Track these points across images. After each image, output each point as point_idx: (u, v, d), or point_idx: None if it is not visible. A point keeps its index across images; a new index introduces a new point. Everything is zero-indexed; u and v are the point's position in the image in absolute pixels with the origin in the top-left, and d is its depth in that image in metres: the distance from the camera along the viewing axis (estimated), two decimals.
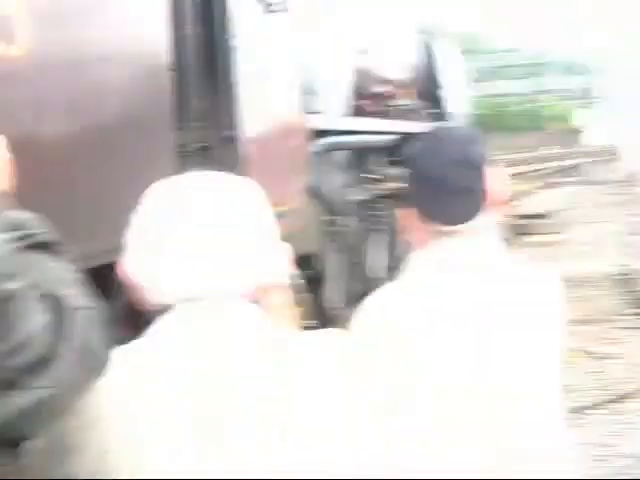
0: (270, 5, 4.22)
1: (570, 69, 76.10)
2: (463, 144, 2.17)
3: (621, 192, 28.88)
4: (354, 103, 7.24)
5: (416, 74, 9.60)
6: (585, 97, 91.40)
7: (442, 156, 2.12)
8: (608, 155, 39.46)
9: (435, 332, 2.02)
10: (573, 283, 12.70)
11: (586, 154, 40.94)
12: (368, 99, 7.63)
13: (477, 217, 2.15)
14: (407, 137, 7.55)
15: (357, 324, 2.07)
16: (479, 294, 2.07)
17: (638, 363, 8.61)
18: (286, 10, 4.39)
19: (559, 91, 72.96)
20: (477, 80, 27.62)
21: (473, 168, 2.13)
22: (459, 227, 2.13)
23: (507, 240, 2.38)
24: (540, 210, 21.57)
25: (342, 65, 6.96)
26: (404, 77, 9.15)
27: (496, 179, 2.24)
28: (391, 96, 8.39)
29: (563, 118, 51.89)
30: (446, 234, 2.13)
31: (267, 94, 4.25)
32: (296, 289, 1.64)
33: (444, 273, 2.10)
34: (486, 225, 2.18)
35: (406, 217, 2.21)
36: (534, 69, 74.13)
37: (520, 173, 28.05)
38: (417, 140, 2.24)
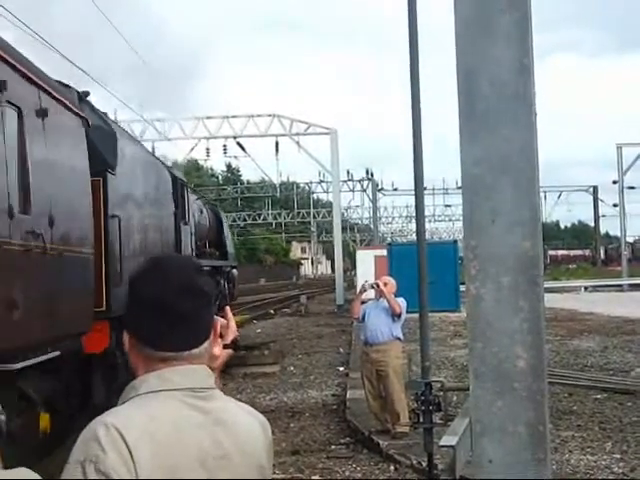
0: None
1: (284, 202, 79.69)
2: (189, 272, 2.14)
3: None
4: None
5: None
6: (304, 231, 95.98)
7: (166, 283, 2.08)
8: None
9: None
10: (290, 413, 13.01)
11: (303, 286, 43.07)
12: None
13: (201, 345, 2.11)
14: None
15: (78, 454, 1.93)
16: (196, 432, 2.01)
17: None
18: None
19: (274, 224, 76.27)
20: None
21: (199, 296, 2.11)
22: (182, 354, 2.08)
23: (225, 371, 2.40)
24: (256, 341, 22.15)
25: None
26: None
27: (228, 315, 2.33)
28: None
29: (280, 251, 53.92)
30: (167, 360, 2.07)
31: None
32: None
33: (168, 400, 2.02)
34: (207, 355, 2.16)
35: (129, 342, 2.14)
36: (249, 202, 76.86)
37: (239, 304, 28.90)
38: (140, 267, 2.19)
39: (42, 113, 8.22)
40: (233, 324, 2.33)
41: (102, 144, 10.93)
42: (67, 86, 10.53)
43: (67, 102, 9.33)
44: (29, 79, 8.03)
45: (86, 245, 9.53)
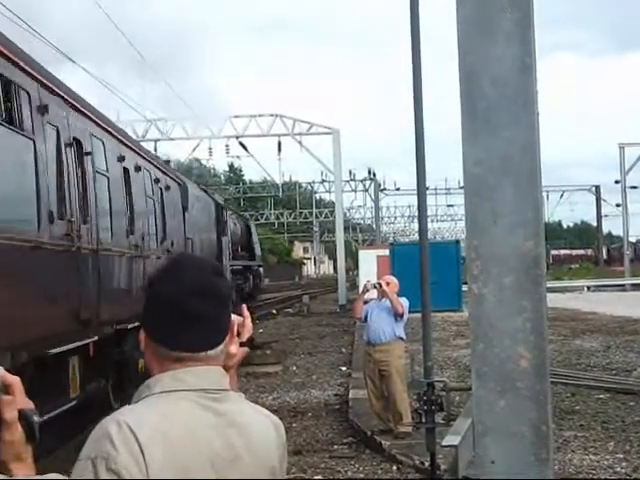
0: None
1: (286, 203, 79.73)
2: (206, 273, 2.14)
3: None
4: None
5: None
6: (306, 230, 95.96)
7: (183, 283, 2.08)
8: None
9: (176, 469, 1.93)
10: (292, 413, 13.01)
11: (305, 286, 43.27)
12: None
13: (218, 346, 2.12)
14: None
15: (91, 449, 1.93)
16: (212, 431, 2.02)
17: None
18: None
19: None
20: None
21: (216, 297, 2.11)
22: (198, 355, 2.08)
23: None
24: (259, 340, 22.12)
25: None
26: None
27: (244, 313, 2.34)
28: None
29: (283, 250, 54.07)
30: (182, 361, 2.07)
31: None
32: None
33: (181, 401, 2.02)
34: (223, 356, 2.15)
35: (145, 341, 2.14)
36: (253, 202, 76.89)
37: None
38: (159, 266, 2.21)
39: (165, 184, 16.09)
40: (249, 322, 2.35)
41: (183, 196, 18.10)
42: (167, 162, 18.53)
43: (173, 175, 17.54)
44: (151, 162, 15.11)
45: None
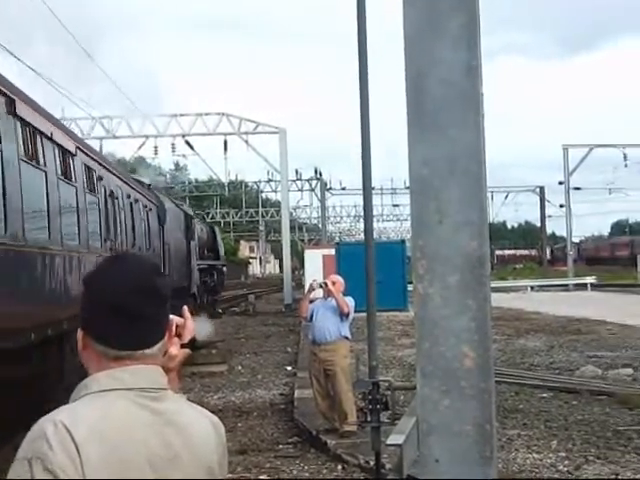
0: None
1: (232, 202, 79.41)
2: (144, 272, 2.13)
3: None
4: None
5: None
6: (252, 230, 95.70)
7: (120, 282, 2.07)
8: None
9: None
10: (237, 412, 12.98)
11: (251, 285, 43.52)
12: None
13: (156, 345, 2.10)
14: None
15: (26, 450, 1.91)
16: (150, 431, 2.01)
17: None
18: None
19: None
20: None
21: (153, 296, 2.10)
22: (135, 353, 2.07)
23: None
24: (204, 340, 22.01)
25: None
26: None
27: (185, 314, 2.33)
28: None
29: (229, 250, 54.08)
30: (120, 360, 2.06)
31: None
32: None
33: (118, 400, 2.01)
34: (161, 355, 2.14)
35: (82, 340, 2.12)
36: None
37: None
38: (98, 265, 2.19)
39: (150, 207, 21.42)
40: (190, 323, 2.33)
41: (161, 212, 23.04)
42: (142, 182, 22.88)
43: (155, 199, 22.96)
44: (142, 194, 20.59)
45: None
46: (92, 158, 14.39)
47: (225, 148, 43.08)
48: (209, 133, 41.59)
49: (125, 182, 17.98)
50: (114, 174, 16.57)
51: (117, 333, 2.05)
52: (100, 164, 15.10)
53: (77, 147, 12.98)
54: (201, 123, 41.24)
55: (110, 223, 15.34)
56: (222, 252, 43.38)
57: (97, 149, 30.79)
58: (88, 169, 13.68)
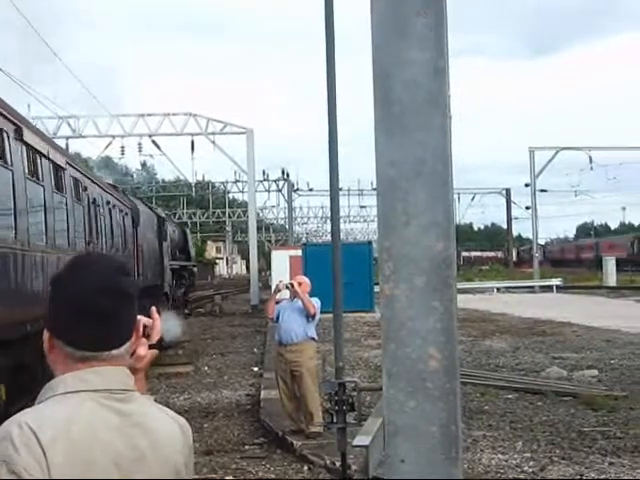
0: None
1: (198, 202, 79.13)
2: (110, 272, 2.11)
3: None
4: None
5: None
6: (219, 230, 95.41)
7: (86, 282, 2.05)
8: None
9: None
10: (203, 413, 12.93)
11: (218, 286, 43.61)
12: None
13: (123, 346, 2.09)
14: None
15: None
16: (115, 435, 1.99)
17: None
18: None
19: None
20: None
21: (120, 296, 2.08)
22: (102, 354, 2.05)
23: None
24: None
25: None
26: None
27: (153, 315, 2.33)
28: None
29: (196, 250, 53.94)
30: (86, 361, 2.04)
31: None
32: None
33: (84, 401, 1.99)
34: (128, 356, 2.13)
35: (49, 341, 2.10)
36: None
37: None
38: (63, 266, 2.16)
39: (125, 211, 22.62)
40: (158, 324, 2.32)
41: (135, 215, 24.18)
42: (116, 188, 24.01)
43: (129, 203, 23.88)
44: (119, 200, 21.67)
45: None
46: (78, 170, 16.11)
47: (192, 148, 42.99)
48: (176, 133, 41.45)
49: (105, 190, 19.88)
50: (96, 183, 18.59)
51: (83, 334, 2.03)
52: (85, 175, 16.91)
53: (67, 162, 14.65)
54: (168, 123, 41.11)
55: (92, 226, 17.13)
56: (193, 253, 44.53)
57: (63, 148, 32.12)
58: (75, 180, 15.30)
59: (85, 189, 16.36)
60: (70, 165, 14.95)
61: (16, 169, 10.69)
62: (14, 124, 10.87)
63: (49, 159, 12.78)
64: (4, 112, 10.49)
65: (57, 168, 13.55)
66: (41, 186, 12.19)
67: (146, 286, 22.83)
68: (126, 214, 22.83)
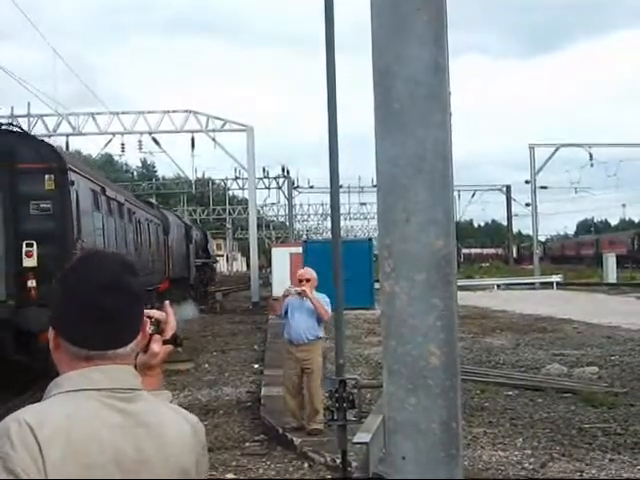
0: None
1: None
2: (116, 270, 2.09)
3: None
4: None
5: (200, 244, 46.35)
6: (219, 227, 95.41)
7: (91, 280, 2.04)
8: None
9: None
10: (204, 410, 12.93)
11: (218, 283, 44.10)
12: None
13: (128, 345, 2.07)
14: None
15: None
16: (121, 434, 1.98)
17: None
18: None
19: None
20: None
21: (126, 294, 2.06)
22: (107, 353, 2.04)
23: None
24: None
25: None
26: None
27: (167, 310, 2.31)
28: None
29: None
30: (91, 359, 2.03)
31: None
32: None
33: (87, 400, 1.98)
34: (134, 354, 2.12)
35: (54, 339, 2.08)
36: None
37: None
38: (69, 264, 2.15)
39: (158, 222, 31.18)
40: (172, 319, 2.30)
41: (165, 225, 32.10)
42: (151, 203, 34.97)
43: (160, 215, 32.75)
44: (147, 212, 28.76)
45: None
46: (130, 202, 24.17)
47: (192, 146, 42.96)
48: (176, 131, 41.42)
49: (144, 210, 27.55)
50: (140, 207, 26.58)
51: (88, 332, 2.02)
52: (133, 204, 24.89)
53: (125, 199, 23.14)
54: (168, 120, 41.07)
55: (138, 238, 24.62)
56: (212, 252, 53.65)
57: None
58: (129, 210, 23.16)
59: (134, 213, 24.15)
60: (127, 200, 23.49)
61: (103, 212, 18.98)
62: (100, 186, 19.10)
63: (116, 201, 21.06)
64: (93, 179, 18.43)
65: (120, 205, 21.60)
66: (113, 218, 20.25)
67: (175, 278, 31.95)
68: (159, 225, 30.71)
